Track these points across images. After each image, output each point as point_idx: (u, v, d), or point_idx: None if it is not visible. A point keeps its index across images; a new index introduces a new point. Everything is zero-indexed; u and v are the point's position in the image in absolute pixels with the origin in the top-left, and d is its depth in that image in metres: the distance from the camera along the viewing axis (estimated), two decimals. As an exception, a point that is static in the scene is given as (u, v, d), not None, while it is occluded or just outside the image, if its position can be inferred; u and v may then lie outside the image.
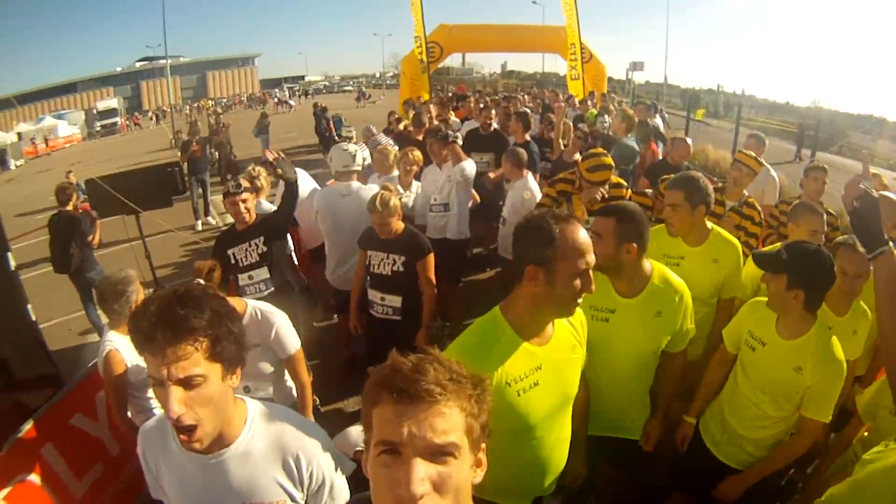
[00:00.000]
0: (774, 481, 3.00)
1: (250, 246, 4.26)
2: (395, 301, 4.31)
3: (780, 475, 3.04)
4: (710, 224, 3.49)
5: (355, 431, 3.48)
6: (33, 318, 4.15)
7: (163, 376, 1.43)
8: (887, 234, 2.85)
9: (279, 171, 4.39)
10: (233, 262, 4.26)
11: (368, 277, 4.42)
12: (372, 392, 1.11)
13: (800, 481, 3.41)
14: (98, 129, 46.60)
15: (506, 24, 24.00)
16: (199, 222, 11.72)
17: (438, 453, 1.03)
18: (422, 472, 1.00)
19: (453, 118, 10.24)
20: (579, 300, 2.03)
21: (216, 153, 14.68)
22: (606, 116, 9.13)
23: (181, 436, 1.54)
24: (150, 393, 3.24)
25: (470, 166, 5.69)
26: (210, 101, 51.53)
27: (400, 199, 4.33)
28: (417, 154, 5.97)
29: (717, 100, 35.66)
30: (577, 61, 19.71)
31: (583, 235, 1.98)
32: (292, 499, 1.77)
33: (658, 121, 11.32)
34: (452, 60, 29.11)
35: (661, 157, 7.77)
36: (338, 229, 5.01)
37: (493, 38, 23.49)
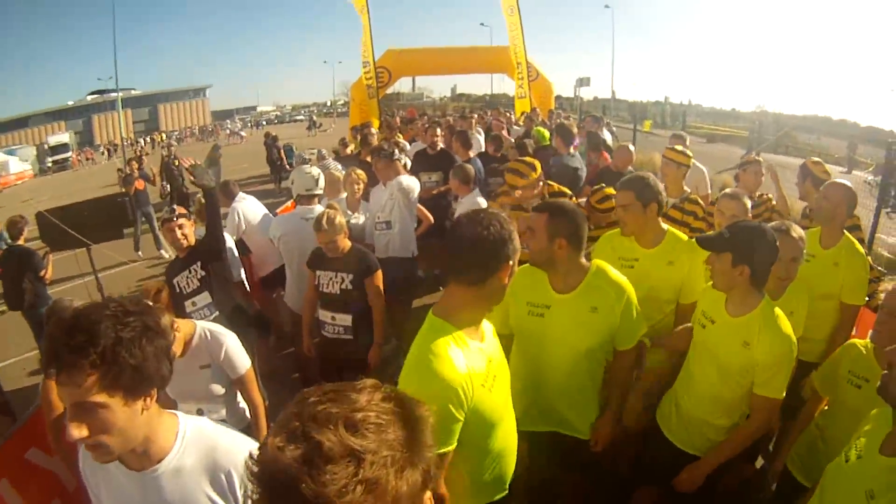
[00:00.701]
0: (736, 474, 2.97)
1: (189, 272, 4.27)
2: (346, 320, 4.29)
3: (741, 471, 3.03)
4: (665, 226, 3.48)
5: None
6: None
7: (63, 400, 1.44)
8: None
9: (193, 177, 4.28)
10: (177, 290, 4.28)
11: (319, 299, 4.42)
12: None
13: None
14: (49, 164, 45.75)
15: (453, 46, 24.47)
16: (163, 251, 11.77)
17: None
18: None
19: (402, 140, 10.48)
20: None
21: (168, 185, 14.68)
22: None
23: (90, 452, 1.54)
24: None
25: (408, 181, 5.71)
26: (163, 134, 51.07)
27: (348, 220, 4.42)
28: (360, 173, 6.14)
29: (664, 111, 36.56)
30: (524, 80, 20.07)
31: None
32: None
33: (606, 134, 11.49)
34: (402, 85, 29.34)
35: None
36: (302, 253, 4.88)
37: (440, 60, 23.83)
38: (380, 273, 4.35)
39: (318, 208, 5.17)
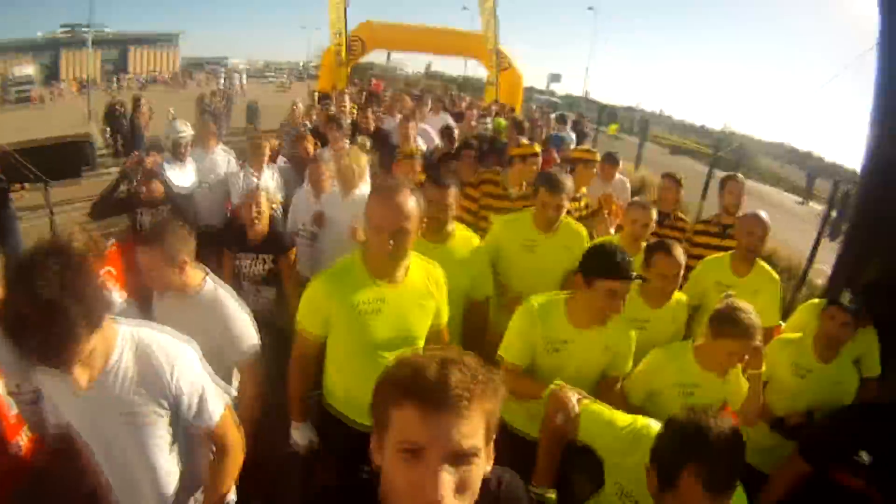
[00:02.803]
0: None
1: (258, 260, 4.30)
2: (271, 292, 4.36)
3: None
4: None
5: None
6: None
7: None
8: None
9: None
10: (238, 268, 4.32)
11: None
12: (390, 391, 1.12)
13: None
14: (13, 97, 44.68)
15: (429, 27, 24.40)
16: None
17: (462, 458, 1.06)
18: (447, 479, 1.04)
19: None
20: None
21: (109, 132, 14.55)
22: (488, 121, 9.70)
23: None
24: None
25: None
26: (133, 78, 50.01)
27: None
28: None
29: (633, 117, 37.24)
30: (494, 68, 20.42)
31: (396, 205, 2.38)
32: (163, 407, 1.95)
33: (570, 134, 11.44)
34: (377, 57, 29.28)
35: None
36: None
37: (415, 38, 23.92)
38: (294, 250, 4.41)
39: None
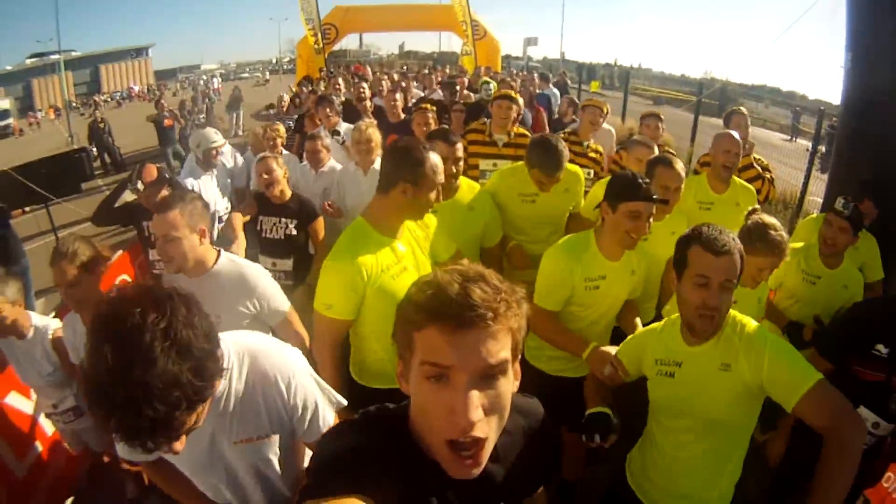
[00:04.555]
0: None
1: (280, 223, 4.33)
2: (287, 265, 4.33)
3: None
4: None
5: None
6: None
7: None
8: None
9: None
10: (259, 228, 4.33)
11: (259, 245, 4.34)
12: (412, 315, 1.07)
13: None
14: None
15: (401, 4, 24.39)
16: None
17: (489, 375, 1.03)
18: (476, 399, 1.01)
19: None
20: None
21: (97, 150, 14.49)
22: (491, 84, 9.81)
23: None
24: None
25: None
26: (105, 96, 49.69)
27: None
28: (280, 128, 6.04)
29: (613, 73, 37.32)
30: (469, 38, 20.36)
31: (438, 160, 2.53)
32: (281, 426, 1.82)
33: (554, 90, 11.75)
34: (349, 42, 29.09)
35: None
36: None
37: (388, 17, 23.94)
38: (321, 220, 4.39)
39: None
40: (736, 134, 3.97)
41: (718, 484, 2.21)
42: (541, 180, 3.63)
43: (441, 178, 2.55)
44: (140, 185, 3.94)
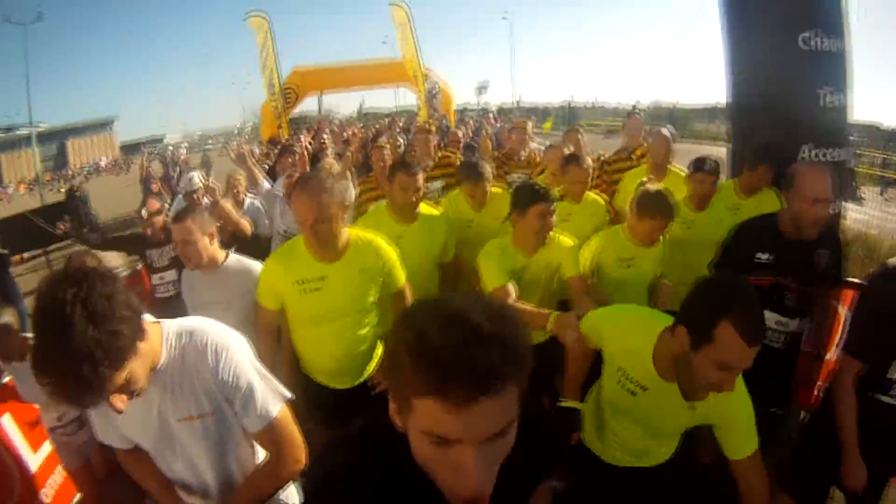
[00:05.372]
0: None
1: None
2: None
3: None
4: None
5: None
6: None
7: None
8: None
9: None
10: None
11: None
12: (409, 375, 0.92)
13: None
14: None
15: (355, 63, 24.96)
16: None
17: (496, 437, 0.93)
18: (484, 462, 0.93)
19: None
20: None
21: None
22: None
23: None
24: None
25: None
26: (76, 171, 49.92)
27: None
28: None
29: (566, 112, 38.70)
30: (422, 92, 20.28)
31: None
32: (216, 403, 1.83)
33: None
34: (308, 105, 29.60)
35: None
36: None
37: (346, 76, 24.49)
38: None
39: None
40: (665, 131, 4.81)
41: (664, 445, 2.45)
42: (472, 192, 4.17)
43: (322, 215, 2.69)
44: (145, 213, 4.53)
